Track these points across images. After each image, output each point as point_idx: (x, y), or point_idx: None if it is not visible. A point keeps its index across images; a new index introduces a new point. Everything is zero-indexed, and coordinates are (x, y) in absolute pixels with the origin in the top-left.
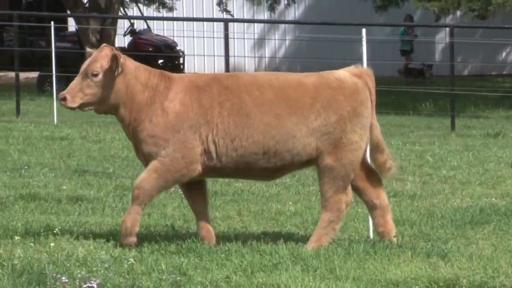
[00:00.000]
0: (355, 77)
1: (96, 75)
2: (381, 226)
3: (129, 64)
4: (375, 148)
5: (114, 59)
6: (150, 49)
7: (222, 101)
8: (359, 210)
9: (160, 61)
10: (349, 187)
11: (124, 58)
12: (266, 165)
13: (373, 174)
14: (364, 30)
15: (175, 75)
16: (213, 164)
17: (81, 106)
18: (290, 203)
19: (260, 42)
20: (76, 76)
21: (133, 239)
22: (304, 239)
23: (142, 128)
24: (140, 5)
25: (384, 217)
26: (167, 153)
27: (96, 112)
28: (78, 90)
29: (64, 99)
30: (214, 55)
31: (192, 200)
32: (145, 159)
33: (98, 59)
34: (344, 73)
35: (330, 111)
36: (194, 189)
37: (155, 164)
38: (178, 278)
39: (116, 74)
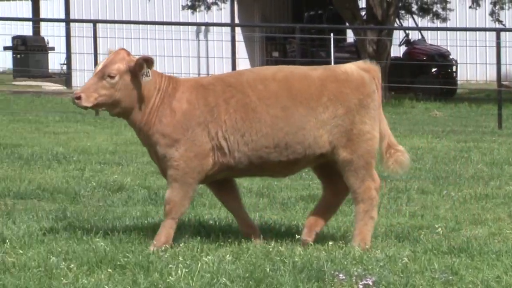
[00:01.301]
0: (363, 71)
1: (113, 77)
2: (315, 214)
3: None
4: (381, 138)
5: (147, 63)
6: (424, 58)
7: (226, 98)
8: None
9: (433, 70)
10: (375, 174)
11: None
12: (279, 158)
13: (341, 190)
14: None
15: (182, 78)
16: (227, 160)
17: (95, 106)
18: None
19: None
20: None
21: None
22: None
23: (154, 131)
24: (415, 16)
25: (324, 213)
26: (180, 154)
27: (109, 113)
28: (93, 90)
29: (79, 97)
30: (486, 64)
31: (224, 200)
32: (160, 162)
33: (116, 61)
34: (351, 66)
35: (337, 103)
36: (223, 189)
37: (172, 174)
38: (450, 277)
39: (144, 78)
